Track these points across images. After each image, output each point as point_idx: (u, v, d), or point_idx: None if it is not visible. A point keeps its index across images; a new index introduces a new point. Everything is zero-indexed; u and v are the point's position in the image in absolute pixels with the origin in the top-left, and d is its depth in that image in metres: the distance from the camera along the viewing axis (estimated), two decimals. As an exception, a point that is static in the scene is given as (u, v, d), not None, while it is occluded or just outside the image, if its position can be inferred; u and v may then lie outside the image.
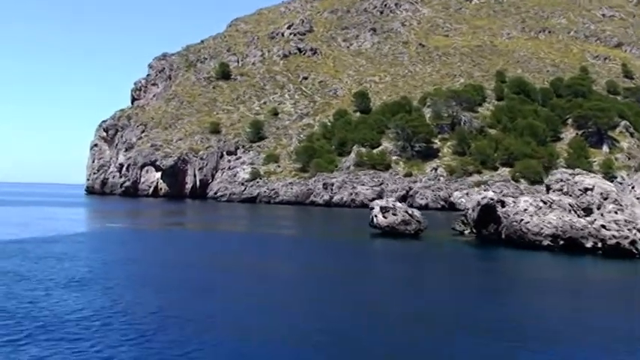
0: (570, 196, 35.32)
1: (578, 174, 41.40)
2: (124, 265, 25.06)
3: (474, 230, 35.22)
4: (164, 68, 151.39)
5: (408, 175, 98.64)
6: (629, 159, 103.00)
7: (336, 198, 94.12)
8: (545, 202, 33.37)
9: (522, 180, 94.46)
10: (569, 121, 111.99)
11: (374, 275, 24.44)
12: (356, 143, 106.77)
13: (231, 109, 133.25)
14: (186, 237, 40.31)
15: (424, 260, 29.71)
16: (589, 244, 29.89)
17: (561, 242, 30.77)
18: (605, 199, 34.29)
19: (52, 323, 14.36)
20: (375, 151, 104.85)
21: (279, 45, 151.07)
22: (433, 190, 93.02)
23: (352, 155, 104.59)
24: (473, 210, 34.74)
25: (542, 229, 31.17)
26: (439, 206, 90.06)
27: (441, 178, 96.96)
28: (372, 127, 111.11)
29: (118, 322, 14.60)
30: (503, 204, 34.16)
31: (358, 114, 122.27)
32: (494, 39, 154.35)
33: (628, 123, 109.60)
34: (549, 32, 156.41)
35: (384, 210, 37.33)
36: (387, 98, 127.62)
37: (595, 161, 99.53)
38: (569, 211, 33.00)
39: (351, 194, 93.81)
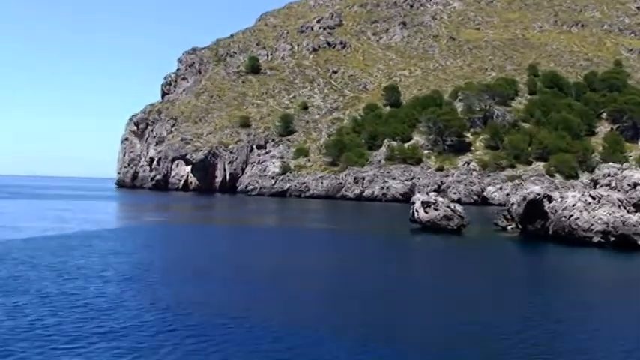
0: (619, 191, 34.59)
1: (626, 169, 40.64)
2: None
3: (519, 226, 34.56)
4: (194, 62, 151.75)
5: (440, 169, 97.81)
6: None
7: (367, 192, 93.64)
8: (593, 198, 32.63)
9: (557, 175, 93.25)
10: (604, 115, 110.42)
11: (423, 274, 24.02)
12: (387, 137, 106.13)
13: (260, 103, 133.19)
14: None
15: (472, 258, 29.17)
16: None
17: (612, 239, 30.04)
18: (656, 193, 33.51)
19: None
20: (406, 145, 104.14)
21: (308, 39, 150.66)
22: (466, 185, 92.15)
23: (383, 149, 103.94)
24: (518, 205, 34.09)
25: (592, 225, 30.46)
26: (472, 201, 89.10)
27: (474, 173, 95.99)
28: (403, 121, 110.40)
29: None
30: (550, 199, 33.51)
31: (388, 108, 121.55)
32: (526, 32, 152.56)
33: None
34: (582, 26, 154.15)
35: (425, 205, 36.80)
36: (417, 92, 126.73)
37: (631, 156, 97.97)
38: (619, 206, 32.27)
39: (382, 188, 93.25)
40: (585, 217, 30.82)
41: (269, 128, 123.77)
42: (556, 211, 32.70)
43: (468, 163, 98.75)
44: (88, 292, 16.68)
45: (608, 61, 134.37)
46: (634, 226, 29.53)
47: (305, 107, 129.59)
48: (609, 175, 35.56)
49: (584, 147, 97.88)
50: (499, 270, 24.91)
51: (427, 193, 40.94)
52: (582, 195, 33.03)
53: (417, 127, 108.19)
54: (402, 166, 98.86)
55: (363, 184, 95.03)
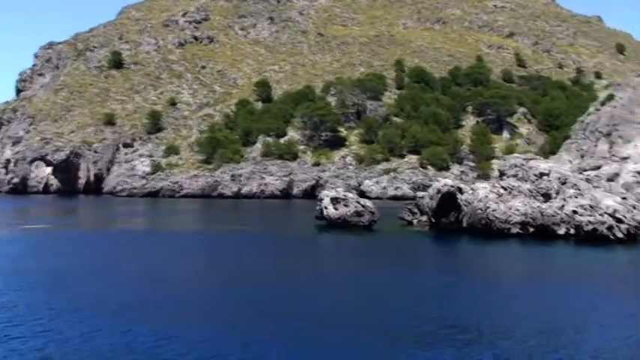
0: (526, 181, 34.46)
1: (531, 159, 40.84)
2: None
3: (433, 219, 33.61)
4: (51, 58, 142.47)
5: (317, 164, 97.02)
6: (528, 144, 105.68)
7: (245, 189, 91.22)
8: (505, 189, 32.27)
9: (430, 167, 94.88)
10: (469, 108, 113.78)
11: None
12: (261, 133, 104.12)
13: (125, 100, 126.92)
14: (120, 237, 36.66)
15: (394, 254, 27.77)
16: (562, 231, 28.88)
17: (531, 230, 29.63)
18: (563, 183, 33.58)
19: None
20: (281, 140, 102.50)
21: (174, 33, 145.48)
22: (343, 179, 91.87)
23: (258, 145, 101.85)
24: (431, 198, 33.11)
25: (509, 216, 29.94)
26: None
27: (350, 167, 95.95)
28: (277, 117, 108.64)
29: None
30: (460, 191, 32.79)
31: (260, 103, 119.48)
32: (391, 29, 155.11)
33: (525, 110, 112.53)
34: (444, 23, 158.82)
35: (335, 201, 35.16)
36: (288, 87, 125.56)
37: (497, 147, 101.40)
38: (530, 197, 32.04)
39: (260, 185, 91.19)
40: (502, 208, 30.27)
41: (136, 126, 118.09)
42: (469, 203, 32.03)
43: (344, 158, 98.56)
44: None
45: (470, 57, 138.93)
46: (553, 216, 29.24)
47: (173, 103, 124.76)
48: (516, 166, 35.39)
49: (454, 139, 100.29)
50: (428, 266, 23.66)
51: (335, 189, 39.19)
52: (493, 187, 32.58)
53: (291, 122, 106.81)
54: (279, 161, 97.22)
55: (240, 181, 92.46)
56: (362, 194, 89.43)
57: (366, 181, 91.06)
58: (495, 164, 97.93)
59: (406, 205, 40.38)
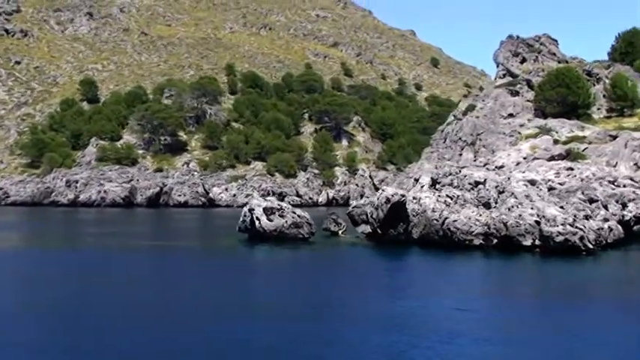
0: (461, 189, 34.09)
1: (463, 167, 40.67)
2: None
3: (379, 230, 32.02)
4: None
5: (159, 170, 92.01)
6: (366, 152, 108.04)
7: (82, 197, 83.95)
8: (451, 198, 31.61)
9: (277, 174, 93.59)
10: (306, 115, 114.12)
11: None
12: (93, 136, 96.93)
13: None
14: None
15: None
16: (527, 242, 28.59)
17: (495, 241, 29.12)
18: (502, 192, 33.59)
19: None
20: (118, 144, 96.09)
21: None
22: (190, 186, 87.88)
23: (91, 149, 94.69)
24: (377, 208, 31.53)
25: (470, 227, 29.22)
26: (200, 203, 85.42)
27: (195, 174, 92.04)
28: (109, 118, 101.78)
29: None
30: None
31: (86, 104, 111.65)
32: (218, 32, 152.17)
33: (360, 118, 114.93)
34: (270, 29, 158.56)
35: (268, 212, 32.38)
36: (114, 87, 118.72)
37: (338, 155, 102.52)
38: (476, 206, 31.67)
39: (100, 192, 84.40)
40: (463, 218, 29.49)
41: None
42: (419, 213, 30.97)
43: (188, 164, 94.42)
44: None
45: (298, 64, 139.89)
46: (517, 226, 28.90)
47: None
48: (451, 174, 34.93)
49: (298, 146, 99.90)
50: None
51: (264, 198, 36.28)
52: (439, 196, 31.79)
53: (126, 125, 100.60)
54: (117, 167, 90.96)
55: (76, 187, 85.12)
56: (211, 202, 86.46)
57: (215, 189, 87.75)
58: (338, 172, 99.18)
59: (330, 215, 38.55)
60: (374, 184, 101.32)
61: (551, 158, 52.51)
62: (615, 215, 33.45)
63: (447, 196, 31.62)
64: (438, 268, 26.37)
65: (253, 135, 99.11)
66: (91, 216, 66.87)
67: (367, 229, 33.12)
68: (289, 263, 28.21)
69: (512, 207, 31.54)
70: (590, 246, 27.61)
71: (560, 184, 40.13)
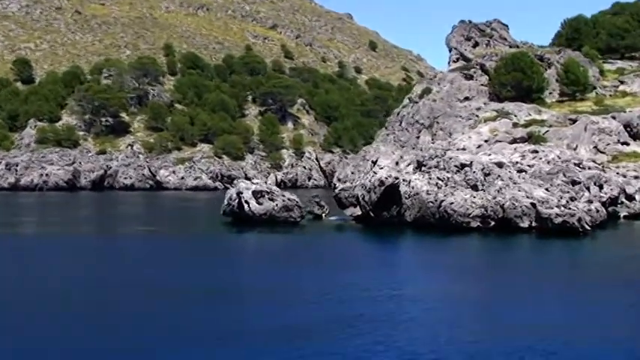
0: (448, 172, 34.22)
1: (448, 149, 40.70)
2: None
3: (372, 214, 31.75)
4: None
5: (102, 152, 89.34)
6: (312, 135, 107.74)
7: (24, 180, 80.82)
8: (441, 180, 31.68)
9: (225, 156, 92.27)
10: (249, 98, 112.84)
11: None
12: (30, 117, 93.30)
13: None
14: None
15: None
16: (525, 224, 28.90)
17: (492, 223, 29.32)
18: (488, 174, 33.90)
19: None
20: (58, 125, 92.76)
21: None
22: (135, 169, 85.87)
23: (30, 130, 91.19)
24: (370, 191, 31.27)
25: (467, 209, 29.32)
26: (147, 186, 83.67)
27: (140, 156, 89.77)
28: (47, 99, 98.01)
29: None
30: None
31: (20, 84, 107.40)
32: (154, 11, 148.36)
33: (304, 101, 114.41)
34: (207, 9, 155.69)
35: (257, 195, 31.68)
36: (49, 67, 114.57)
37: (284, 137, 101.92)
38: (467, 187, 31.85)
39: (42, 175, 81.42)
40: (460, 200, 29.56)
41: None
42: (412, 195, 30.89)
43: (132, 146, 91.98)
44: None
45: (238, 46, 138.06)
46: (514, 208, 29.18)
47: None
48: (437, 157, 35.01)
49: (245, 128, 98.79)
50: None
51: (251, 181, 35.43)
52: (430, 178, 31.78)
53: (65, 106, 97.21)
54: (57, 149, 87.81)
55: (17, 171, 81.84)
56: (159, 185, 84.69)
57: (162, 171, 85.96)
58: (285, 154, 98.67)
59: (313, 198, 38.07)
60: (320, 167, 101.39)
61: (513, 141, 53.38)
62: (596, 197, 34.24)
63: (438, 178, 31.66)
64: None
65: (198, 117, 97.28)
66: (40, 200, 64.67)
67: (356, 211, 32.88)
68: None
69: (501, 189, 31.88)
70: (588, 227, 28.16)
71: (529, 166, 40.82)
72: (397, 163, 66.51)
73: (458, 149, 55.20)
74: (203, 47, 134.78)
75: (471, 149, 54.96)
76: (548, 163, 42.67)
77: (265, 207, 31.44)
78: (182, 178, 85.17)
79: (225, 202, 32.99)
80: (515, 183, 31.86)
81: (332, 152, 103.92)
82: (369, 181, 31.47)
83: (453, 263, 22.38)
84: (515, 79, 63.08)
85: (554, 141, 52.19)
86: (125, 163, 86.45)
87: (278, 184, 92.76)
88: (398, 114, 70.82)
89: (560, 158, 45.56)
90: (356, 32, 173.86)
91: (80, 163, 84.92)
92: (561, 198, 31.53)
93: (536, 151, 48.28)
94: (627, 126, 52.31)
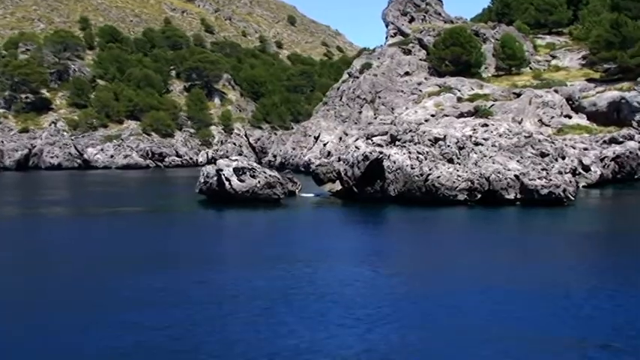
0: (423, 145, 34.42)
1: (420, 123, 40.73)
2: None
3: (355, 189, 31.57)
4: None
5: (25, 130, 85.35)
6: (239, 111, 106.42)
7: (-58, 161, 76.54)
8: (421, 154, 31.87)
9: (154, 133, 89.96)
10: (173, 73, 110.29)
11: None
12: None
13: None
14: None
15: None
16: (510, 196, 29.48)
17: (479, 196, 29.73)
18: (462, 148, 34.35)
19: None
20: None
21: None
22: (61, 147, 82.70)
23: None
24: (353, 166, 31.08)
25: (454, 182, 29.61)
26: (76, 165, 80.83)
27: (65, 134, 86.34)
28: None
29: None
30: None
31: None
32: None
33: (229, 76, 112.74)
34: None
35: (239, 172, 30.94)
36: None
37: (212, 113, 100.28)
38: (448, 161, 32.19)
39: (-37, 155, 77.33)
40: (446, 174, 29.81)
41: None
42: (393, 170, 30.90)
43: (55, 123, 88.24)
44: None
45: (156, 19, 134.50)
46: (499, 181, 29.69)
47: None
48: (410, 131, 35.13)
49: (173, 104, 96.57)
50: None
51: (230, 158, 34.44)
52: (410, 152, 31.87)
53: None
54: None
55: None
56: (87, 163, 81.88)
57: (90, 149, 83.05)
58: (214, 131, 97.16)
59: (285, 174, 37.45)
60: (250, 143, 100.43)
61: (461, 115, 54.26)
62: (564, 168, 35.31)
63: (418, 152, 31.86)
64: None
65: (123, 92, 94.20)
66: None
67: (336, 187, 32.70)
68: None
69: (478, 162, 32.42)
70: (572, 197, 29.02)
71: (484, 139, 41.62)
72: (341, 139, 66.87)
73: (406, 123, 55.75)
74: (120, 20, 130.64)
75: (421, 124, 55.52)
76: (500, 136, 43.77)
77: (247, 184, 30.79)
78: (111, 156, 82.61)
79: (202, 179, 32.12)
80: (486, 156, 32.45)
81: (261, 128, 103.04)
82: (352, 156, 31.30)
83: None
84: (454, 54, 64.10)
85: (500, 115, 53.38)
86: (50, 142, 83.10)
87: (209, 162, 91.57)
88: (338, 89, 70.85)
89: (510, 132, 46.79)
90: (274, 6, 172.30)
91: (2, 142, 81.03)
92: (534, 170, 32.38)
93: (487, 125, 49.35)
94: (569, 99, 54.00)
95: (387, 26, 74.19)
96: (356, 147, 32.72)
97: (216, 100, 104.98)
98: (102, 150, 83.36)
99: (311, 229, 24.58)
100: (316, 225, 25.88)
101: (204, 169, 32.82)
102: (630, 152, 44.34)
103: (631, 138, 45.52)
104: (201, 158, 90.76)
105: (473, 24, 72.29)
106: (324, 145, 64.53)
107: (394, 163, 31.06)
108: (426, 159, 31.73)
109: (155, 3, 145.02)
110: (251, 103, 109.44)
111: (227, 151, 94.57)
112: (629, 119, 50.55)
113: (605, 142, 46.80)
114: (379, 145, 32.59)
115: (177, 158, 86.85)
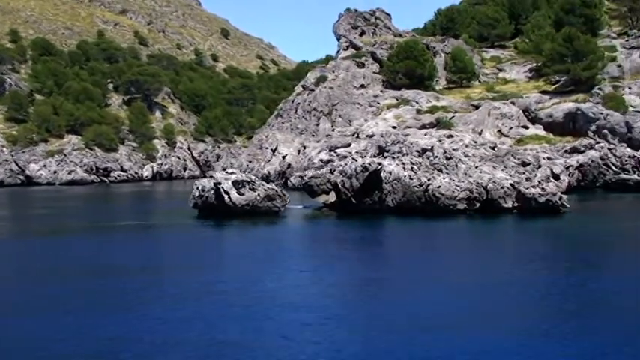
0: (412, 156, 35.04)
1: (408, 135, 41.18)
2: None
3: (354, 200, 31.70)
4: None
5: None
6: (181, 124, 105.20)
7: None
8: (414, 164, 32.42)
9: (97, 148, 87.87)
10: (110, 86, 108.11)
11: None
12: None
13: None
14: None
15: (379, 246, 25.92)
16: (508, 205, 30.25)
17: (478, 205, 30.38)
18: (449, 158, 35.12)
19: None
20: None
21: None
22: (1, 164, 79.94)
23: None
24: (352, 177, 31.24)
25: (454, 192, 30.20)
26: (18, 182, 78.26)
27: (4, 149, 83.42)
28: None
29: None
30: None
31: None
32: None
33: (169, 89, 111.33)
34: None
35: (238, 185, 30.70)
36: None
37: (154, 127, 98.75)
38: (439, 171, 32.84)
39: None
40: (445, 184, 30.38)
41: None
42: (390, 181, 31.27)
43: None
44: None
45: (89, 32, 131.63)
46: (497, 190, 30.46)
47: None
48: (398, 142, 35.69)
49: (115, 118, 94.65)
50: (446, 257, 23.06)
51: (226, 171, 33.97)
52: (403, 164, 32.36)
53: None
54: None
55: None
56: (29, 180, 79.37)
57: (32, 165, 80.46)
58: (158, 145, 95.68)
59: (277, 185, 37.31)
60: (193, 157, 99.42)
61: (423, 127, 55.45)
62: (543, 177, 36.58)
63: (412, 163, 32.42)
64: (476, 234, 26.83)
65: (63, 106, 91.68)
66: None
67: (330, 198, 32.85)
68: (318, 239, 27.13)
69: (467, 172, 33.26)
70: (567, 205, 30.10)
71: (454, 150, 42.68)
72: (299, 152, 66.97)
73: (367, 136, 56.53)
74: (51, 33, 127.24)
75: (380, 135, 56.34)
76: (467, 147, 44.97)
77: (247, 197, 30.58)
78: (55, 172, 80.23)
79: (197, 193, 31.65)
80: (472, 166, 33.34)
81: (204, 142, 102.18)
82: (350, 167, 31.50)
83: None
84: (409, 67, 65.41)
85: (461, 126, 54.83)
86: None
87: (154, 176, 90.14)
88: (293, 101, 71.05)
89: (475, 142, 48.15)
90: (206, 19, 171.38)
91: (-62, 159, 77.71)
92: (518, 178, 33.46)
93: (452, 136, 50.61)
94: (525, 110, 55.91)
95: (338, 39, 75.05)
96: (353, 159, 32.96)
97: (157, 114, 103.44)
98: (44, 166, 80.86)
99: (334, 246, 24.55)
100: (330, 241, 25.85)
101: (198, 183, 32.40)
102: (592, 161, 46.28)
103: (592, 147, 47.48)
104: (147, 173, 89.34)
105: (422, 38, 73.79)
106: (283, 157, 64.63)
107: (390, 174, 31.49)
108: (419, 169, 32.31)
109: (87, 15, 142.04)
110: (192, 117, 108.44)
111: (172, 165, 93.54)
112: (585, 129, 52.77)
113: (566, 151, 48.69)
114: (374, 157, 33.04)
115: (122, 173, 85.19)
